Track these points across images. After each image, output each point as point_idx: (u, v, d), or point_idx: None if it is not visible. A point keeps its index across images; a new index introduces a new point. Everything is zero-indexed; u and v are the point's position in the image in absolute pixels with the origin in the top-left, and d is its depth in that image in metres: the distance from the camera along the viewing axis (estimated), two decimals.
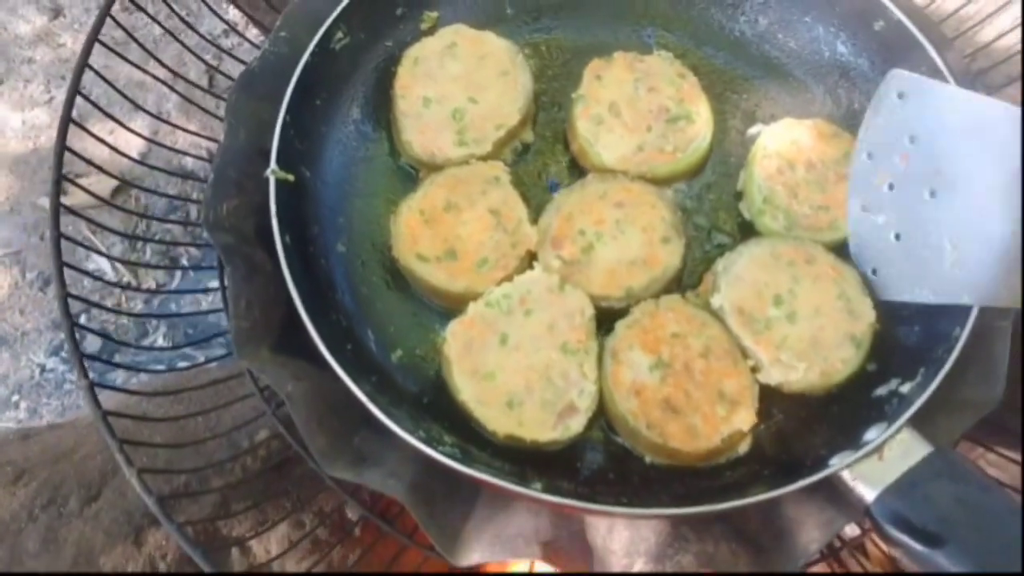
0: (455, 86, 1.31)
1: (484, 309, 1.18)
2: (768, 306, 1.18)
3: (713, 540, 1.08)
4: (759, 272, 1.20)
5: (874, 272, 1.20)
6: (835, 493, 1.06)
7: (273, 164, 1.19)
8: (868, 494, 1.02)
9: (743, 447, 1.15)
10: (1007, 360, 1.15)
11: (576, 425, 1.12)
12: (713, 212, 1.34)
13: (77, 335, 1.92)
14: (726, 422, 1.11)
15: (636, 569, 1.07)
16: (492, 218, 1.24)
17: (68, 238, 1.20)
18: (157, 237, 2.04)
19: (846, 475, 1.04)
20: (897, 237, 1.16)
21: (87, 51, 1.28)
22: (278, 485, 1.22)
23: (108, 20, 1.30)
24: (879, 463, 1.04)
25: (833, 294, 1.19)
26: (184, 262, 2.04)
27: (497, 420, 1.11)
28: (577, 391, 1.13)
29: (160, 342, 1.91)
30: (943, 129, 1.10)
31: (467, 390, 1.13)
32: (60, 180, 1.22)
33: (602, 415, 1.17)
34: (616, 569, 1.07)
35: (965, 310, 1.12)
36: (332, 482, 1.17)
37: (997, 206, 1.03)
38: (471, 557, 1.05)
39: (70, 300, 1.15)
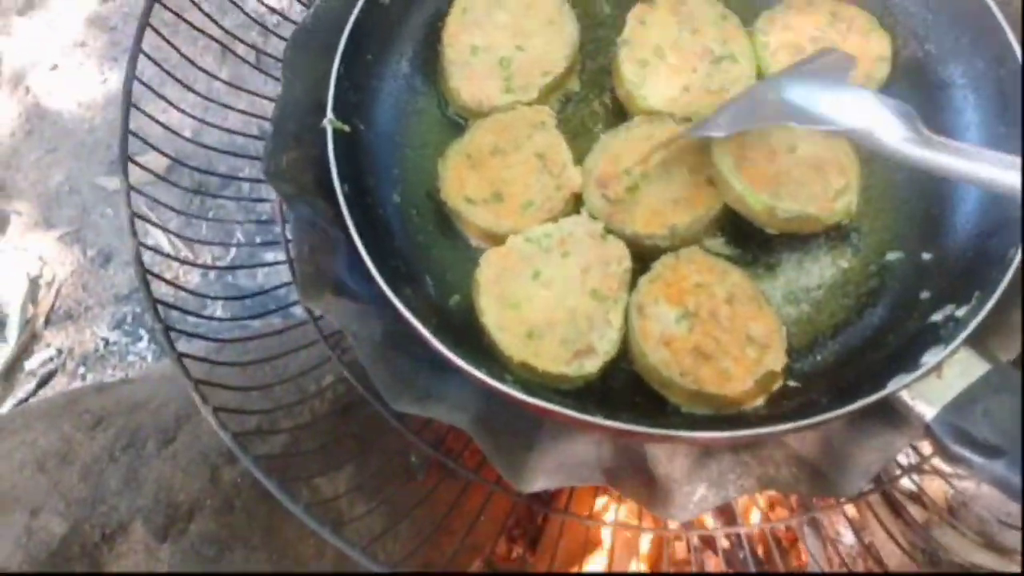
0: (502, 35, 1.34)
1: (523, 243, 1.20)
2: None
3: (774, 464, 1.10)
4: None
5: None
6: (894, 415, 1.07)
7: (330, 114, 1.22)
8: (928, 412, 1.03)
9: (776, 386, 1.16)
10: None
11: (591, 366, 1.13)
12: None
13: (138, 307, 2.00)
14: (758, 363, 1.12)
15: (699, 494, 1.09)
16: (537, 161, 1.26)
17: (140, 216, 1.23)
18: (211, 214, 2.10)
19: (905, 395, 1.04)
20: None
21: (139, 37, 1.33)
22: (344, 427, 1.25)
23: (156, 4, 1.35)
24: (938, 382, 1.04)
25: None
26: (239, 237, 2.09)
27: (514, 346, 1.14)
28: (599, 335, 1.15)
29: (219, 313, 1.95)
30: None
31: (490, 313, 1.16)
32: (127, 142, 1.26)
33: (621, 363, 1.18)
34: (679, 496, 1.09)
35: (1017, 231, 1.13)
36: (397, 422, 1.20)
37: None
38: (536, 484, 1.08)
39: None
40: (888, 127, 1.05)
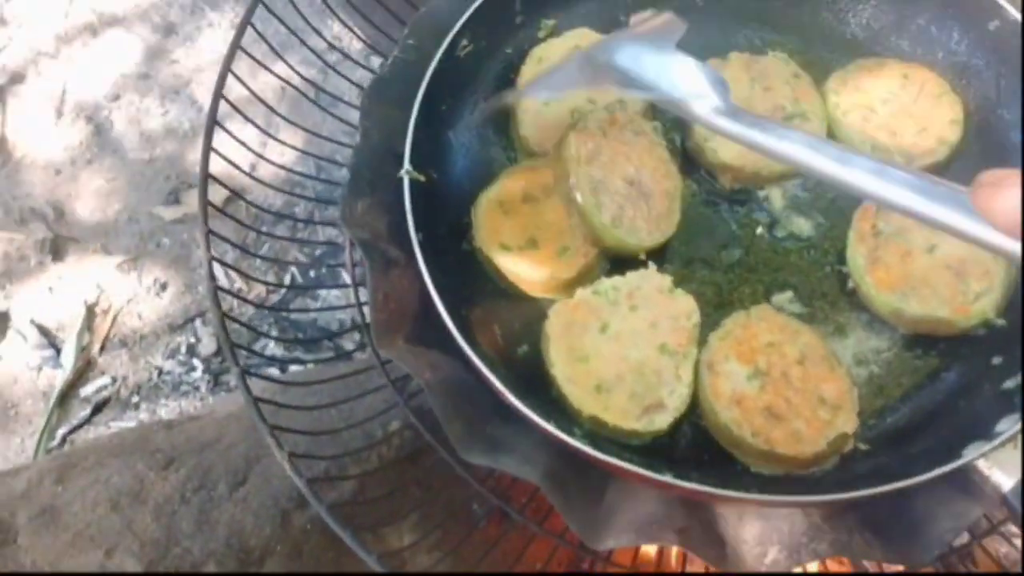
0: None
1: (591, 296, 1.21)
2: None
3: (847, 530, 1.09)
4: None
5: None
6: (969, 483, 1.06)
7: (407, 164, 1.24)
8: (1005, 483, 1.03)
9: (847, 448, 1.16)
10: None
11: (661, 421, 1.13)
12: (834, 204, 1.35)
13: (193, 337, 2.02)
14: (830, 425, 1.12)
15: (771, 557, 1.08)
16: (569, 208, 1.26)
17: (218, 260, 1.24)
18: (264, 250, 2.12)
19: (981, 464, 1.04)
20: None
21: (221, 81, 1.36)
22: (411, 474, 1.26)
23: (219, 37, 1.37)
24: (1014, 452, 1.04)
25: None
26: (295, 274, 2.11)
27: (583, 400, 1.14)
28: (668, 390, 1.15)
29: (271, 347, 1.97)
30: None
31: (559, 366, 1.16)
32: (206, 185, 1.28)
33: (692, 419, 1.19)
34: (750, 559, 1.09)
35: None
36: (463, 471, 1.20)
37: None
38: (607, 542, 1.07)
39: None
40: (703, 98, 1.02)
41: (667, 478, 1.05)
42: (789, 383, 1.15)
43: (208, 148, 1.31)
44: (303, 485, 1.06)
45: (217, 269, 1.96)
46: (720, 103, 1.02)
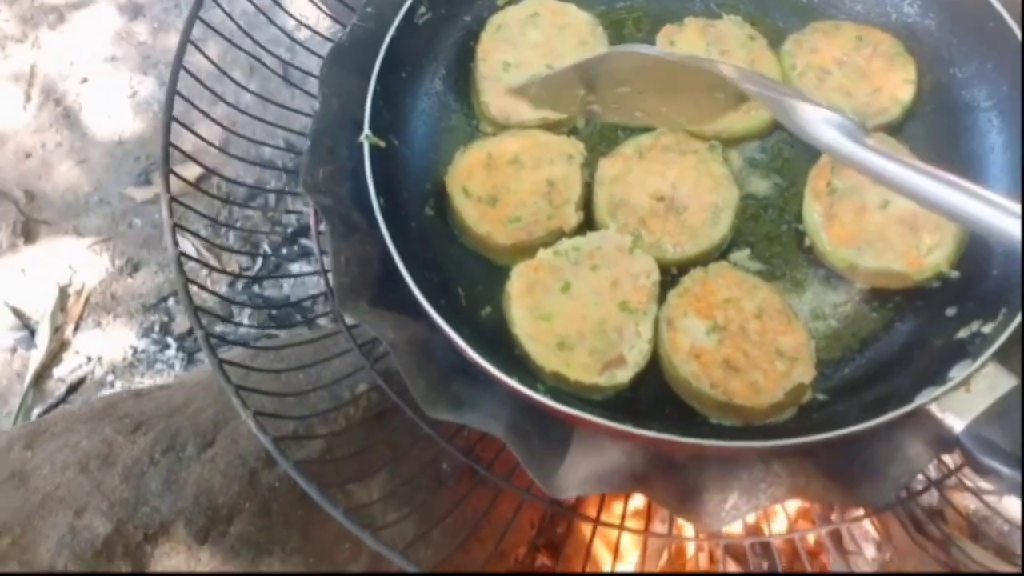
0: (534, 53, 1.37)
1: (552, 257, 1.23)
2: None
3: (804, 475, 1.12)
4: None
5: None
6: (923, 427, 1.09)
7: (367, 130, 1.25)
8: (957, 424, 1.05)
9: (806, 399, 1.18)
10: None
11: (622, 376, 1.16)
12: (791, 164, 1.38)
13: (166, 316, 2.03)
14: (787, 376, 1.15)
15: (730, 502, 1.10)
16: (546, 186, 1.29)
17: (182, 227, 1.25)
18: (238, 224, 2.13)
19: (934, 408, 1.07)
20: None
21: (180, 54, 1.36)
22: (378, 434, 1.28)
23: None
24: (966, 395, 1.07)
25: None
26: (266, 248, 2.12)
27: (545, 357, 1.16)
28: (629, 346, 1.17)
29: (246, 322, 1.98)
30: None
31: (522, 325, 1.18)
32: (168, 154, 1.29)
33: (653, 375, 1.21)
34: (710, 505, 1.11)
35: None
36: (430, 430, 1.22)
37: None
38: (569, 491, 1.09)
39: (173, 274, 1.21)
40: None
41: (626, 426, 1.07)
42: (747, 336, 1.17)
43: (168, 119, 1.32)
44: (268, 442, 1.08)
45: (188, 245, 1.98)
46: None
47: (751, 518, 1.54)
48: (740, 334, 1.18)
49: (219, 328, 1.92)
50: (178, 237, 1.26)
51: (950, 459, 1.36)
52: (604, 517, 1.27)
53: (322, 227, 1.26)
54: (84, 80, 2.32)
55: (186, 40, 1.36)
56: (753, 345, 1.17)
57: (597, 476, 1.12)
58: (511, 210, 1.27)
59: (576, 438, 1.15)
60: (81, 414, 1.33)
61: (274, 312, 1.99)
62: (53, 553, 1.13)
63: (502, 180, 1.29)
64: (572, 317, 1.19)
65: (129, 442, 1.24)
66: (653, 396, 1.21)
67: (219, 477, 1.21)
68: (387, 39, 1.32)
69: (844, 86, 1.37)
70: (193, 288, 1.20)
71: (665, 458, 1.14)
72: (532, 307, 1.20)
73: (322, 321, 1.91)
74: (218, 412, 1.30)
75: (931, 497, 1.69)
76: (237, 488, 1.21)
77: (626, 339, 1.18)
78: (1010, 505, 1.34)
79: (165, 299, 2.07)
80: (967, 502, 1.64)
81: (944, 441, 1.09)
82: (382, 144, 1.27)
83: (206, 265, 1.41)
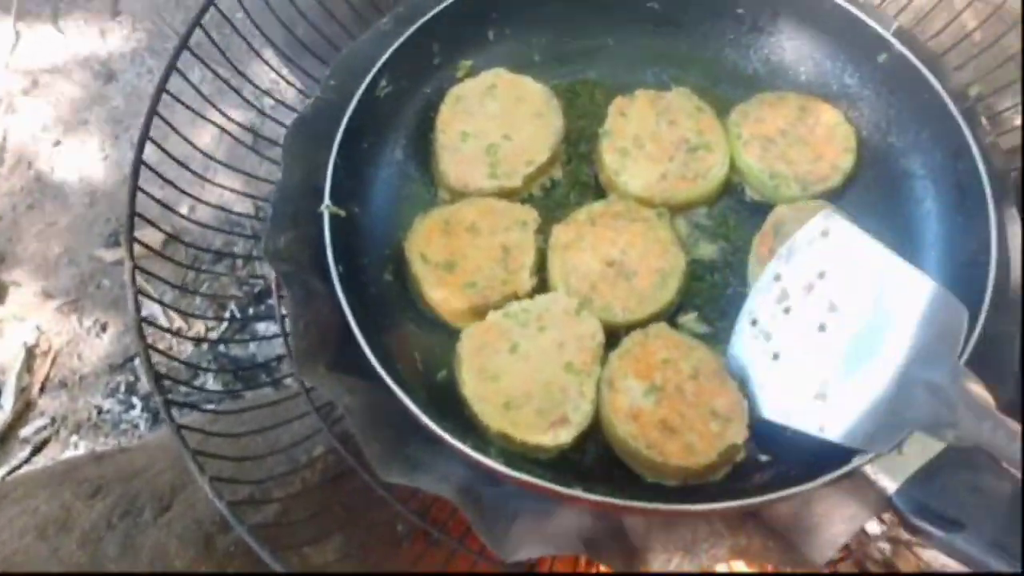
0: (492, 124, 1.42)
1: (502, 318, 1.27)
2: None
3: (746, 535, 1.14)
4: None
5: (742, 384, 1.23)
6: (859, 488, 1.13)
7: (327, 200, 1.29)
8: (890, 486, 1.09)
9: (740, 457, 1.22)
10: (1017, 364, 1.21)
11: (565, 435, 1.19)
12: (737, 229, 1.43)
13: (132, 376, 2.04)
14: (720, 437, 1.17)
15: (675, 563, 1.13)
16: (501, 252, 1.33)
17: (145, 294, 1.28)
18: (204, 288, 2.16)
19: (868, 469, 1.11)
20: (775, 357, 1.20)
21: (147, 124, 1.40)
22: (334, 497, 1.30)
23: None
24: (899, 458, 1.10)
25: None
26: (233, 309, 2.15)
27: (492, 416, 1.20)
28: (573, 406, 1.21)
29: (211, 384, 2.00)
30: (853, 275, 1.18)
31: (470, 385, 1.22)
32: (133, 222, 1.32)
33: (597, 434, 1.24)
34: (655, 565, 1.14)
35: (975, 318, 1.20)
36: (384, 492, 1.24)
37: (879, 361, 1.12)
38: (519, 553, 1.12)
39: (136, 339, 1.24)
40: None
41: (575, 491, 1.11)
42: (683, 397, 1.21)
43: (135, 187, 1.36)
44: (223, 507, 1.10)
45: (155, 308, 2.01)
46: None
47: None
48: (676, 395, 1.21)
49: (183, 390, 1.94)
50: (143, 302, 1.28)
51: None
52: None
53: (283, 292, 1.29)
54: (57, 143, 2.36)
55: (153, 111, 1.40)
56: (688, 406, 1.20)
57: (546, 538, 1.14)
58: (467, 276, 1.31)
59: (526, 501, 1.18)
60: (42, 478, 1.35)
61: (240, 373, 2.01)
62: None
63: (459, 246, 1.33)
64: (519, 377, 1.23)
65: (87, 507, 1.25)
66: (597, 457, 1.25)
67: (175, 541, 1.23)
68: (349, 111, 1.37)
69: (787, 155, 1.42)
70: (161, 346, 1.24)
71: (612, 519, 1.17)
72: (481, 368, 1.23)
73: (288, 380, 1.93)
74: (176, 476, 1.32)
75: (878, 552, 1.72)
76: (193, 553, 1.23)
77: (570, 399, 1.21)
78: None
79: (132, 359, 2.10)
80: (922, 553, 1.66)
81: (875, 502, 1.12)
82: (342, 213, 1.31)
83: (169, 331, 1.43)
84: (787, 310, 1.21)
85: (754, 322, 1.23)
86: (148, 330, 1.25)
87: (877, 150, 1.46)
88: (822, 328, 1.17)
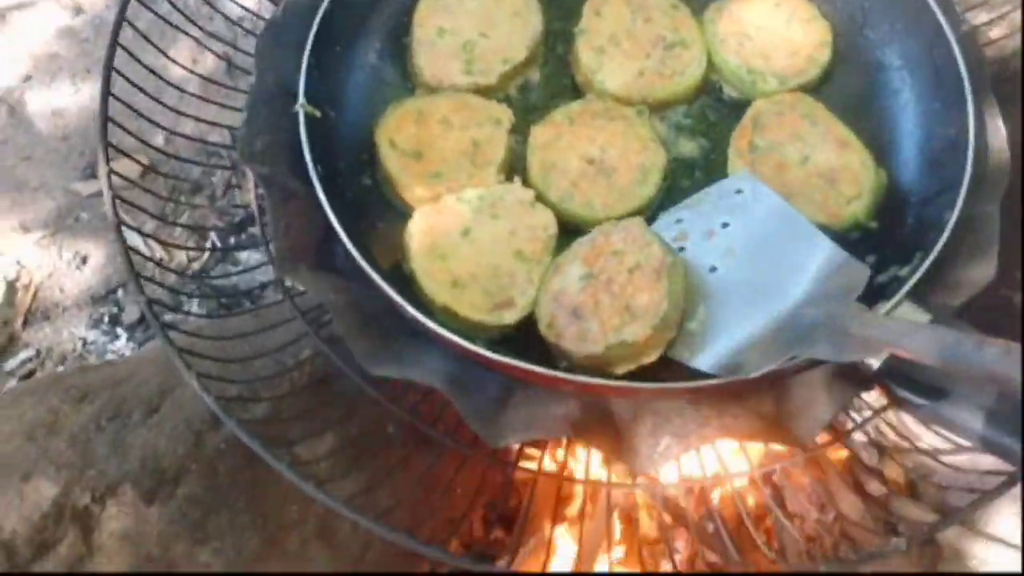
0: (469, 20, 1.42)
1: (455, 203, 1.28)
2: None
3: (732, 416, 1.16)
4: None
5: None
6: (844, 367, 1.14)
7: (302, 98, 1.28)
8: (875, 361, 1.10)
9: (647, 360, 1.18)
10: (996, 242, 1.23)
11: (509, 317, 1.22)
12: (716, 127, 1.43)
13: (116, 307, 2.04)
14: (616, 331, 1.14)
15: (663, 444, 1.15)
16: (471, 147, 1.34)
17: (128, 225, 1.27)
18: (184, 219, 2.15)
19: None
20: None
21: (111, 56, 1.39)
22: (323, 398, 1.30)
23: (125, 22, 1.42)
24: None
25: None
26: (215, 240, 2.13)
27: (436, 291, 1.21)
28: (519, 291, 1.23)
29: (195, 309, 2.00)
30: (756, 229, 1.24)
31: (418, 261, 1.24)
32: (108, 153, 1.31)
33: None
34: (644, 448, 1.15)
35: (954, 198, 1.21)
36: (374, 391, 1.25)
37: (767, 305, 1.17)
38: (507, 438, 1.13)
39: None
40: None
41: (558, 373, 1.12)
42: (608, 288, 1.18)
43: (105, 119, 1.35)
44: (211, 401, 1.11)
45: (136, 240, 2.00)
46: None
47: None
48: (604, 285, 1.18)
49: (168, 317, 1.93)
50: (125, 232, 1.28)
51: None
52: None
53: (266, 218, 1.29)
54: (27, 78, 2.32)
55: (114, 42, 1.38)
56: (609, 296, 1.17)
57: (534, 424, 1.15)
58: (434, 166, 1.32)
59: (512, 390, 1.19)
60: (27, 389, 1.35)
61: (223, 300, 2.01)
62: (1, 516, 1.14)
63: (429, 137, 1.33)
64: (468, 260, 1.24)
65: (75, 411, 1.25)
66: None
67: (165, 440, 1.23)
68: (320, 13, 1.35)
69: (764, 50, 1.42)
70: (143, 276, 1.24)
71: (599, 405, 1.18)
72: (431, 245, 1.25)
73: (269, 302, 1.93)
74: (163, 381, 1.32)
75: (871, 457, 1.75)
76: (183, 451, 1.23)
77: (517, 284, 1.23)
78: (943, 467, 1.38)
79: (114, 291, 2.08)
80: (903, 464, 1.69)
81: (863, 377, 1.14)
82: (317, 114, 1.30)
83: (151, 259, 1.43)
84: (681, 249, 1.25)
85: None
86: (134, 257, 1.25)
87: (853, 43, 1.46)
88: (713, 270, 1.22)
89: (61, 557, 1.14)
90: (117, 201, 1.29)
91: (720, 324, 1.19)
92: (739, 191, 1.28)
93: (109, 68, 1.37)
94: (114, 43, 1.40)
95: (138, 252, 1.31)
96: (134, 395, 1.29)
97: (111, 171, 1.27)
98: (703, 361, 1.16)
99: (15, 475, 1.18)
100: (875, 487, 1.71)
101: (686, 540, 1.72)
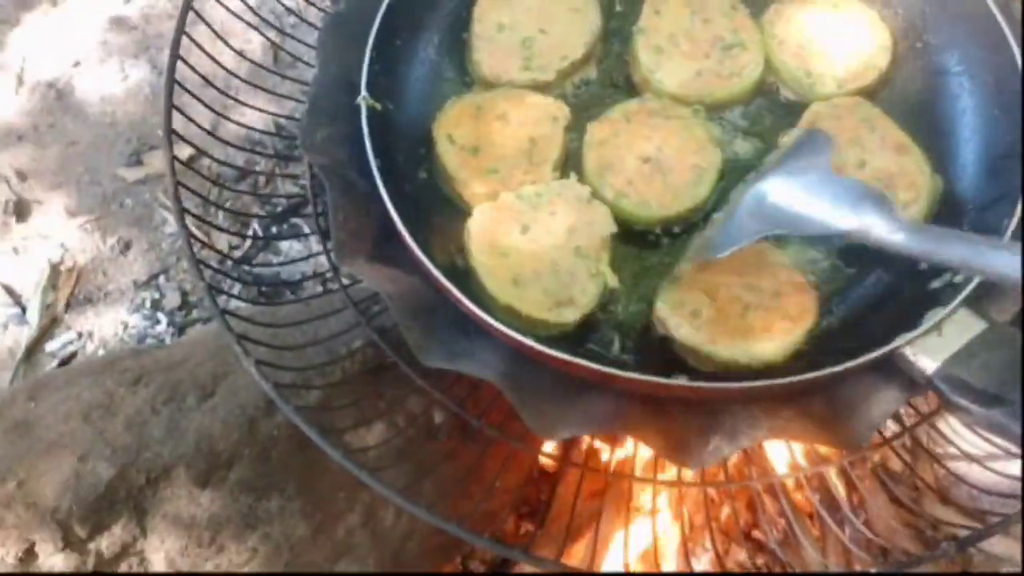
0: (528, 17, 1.42)
1: (514, 200, 1.28)
2: None
3: (783, 417, 1.16)
4: None
5: None
6: (898, 370, 1.14)
7: (364, 92, 1.29)
8: (930, 366, 1.10)
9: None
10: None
11: (570, 315, 1.22)
12: (772, 128, 1.42)
13: (157, 293, 2.05)
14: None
15: (712, 444, 1.15)
16: (528, 144, 1.34)
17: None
18: (228, 205, 2.17)
19: (908, 351, 1.12)
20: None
21: (176, 42, 1.40)
22: (373, 387, 1.31)
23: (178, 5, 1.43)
24: (938, 339, 1.12)
25: None
26: (256, 229, 2.15)
27: (499, 289, 1.22)
28: (580, 289, 1.23)
29: (237, 296, 2.01)
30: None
31: (479, 259, 1.24)
32: (171, 139, 1.33)
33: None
34: (694, 447, 1.15)
35: (1012, 205, 1.21)
36: (424, 382, 1.25)
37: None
38: (560, 432, 1.13)
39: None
40: (875, 224, 1.09)
41: (613, 370, 1.12)
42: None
43: (170, 105, 1.36)
44: (269, 388, 1.11)
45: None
46: (893, 223, 1.08)
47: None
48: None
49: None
50: (167, 217, 1.30)
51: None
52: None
53: (312, 209, 1.29)
54: (76, 63, 2.35)
55: (181, 28, 1.40)
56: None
57: (585, 418, 1.15)
58: (491, 161, 1.32)
59: (563, 386, 1.19)
60: (82, 369, 1.36)
61: (264, 289, 2.03)
62: (58, 496, 1.16)
63: (486, 132, 1.34)
64: (528, 256, 1.25)
65: (130, 393, 1.27)
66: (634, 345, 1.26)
67: (219, 425, 1.25)
68: (383, 7, 1.36)
69: (822, 53, 1.42)
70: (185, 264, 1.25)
71: (650, 403, 1.18)
72: (490, 244, 1.25)
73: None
74: (217, 366, 1.33)
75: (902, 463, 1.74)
76: (237, 435, 1.25)
77: (578, 282, 1.23)
78: (976, 471, 1.38)
79: (156, 276, 2.10)
80: (936, 469, 1.68)
81: (916, 384, 1.14)
82: (378, 106, 1.31)
83: (201, 241, 1.43)
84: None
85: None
86: (177, 243, 1.26)
87: (912, 47, 1.45)
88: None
89: (115, 537, 1.16)
90: (159, 189, 1.30)
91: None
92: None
93: (175, 56, 1.38)
94: (180, 29, 1.41)
95: (204, 243, 1.32)
96: (188, 379, 1.30)
97: (175, 158, 1.27)
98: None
99: (72, 455, 1.20)
100: (902, 491, 1.71)
101: (724, 538, 1.73)
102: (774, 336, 1.20)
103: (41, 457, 1.19)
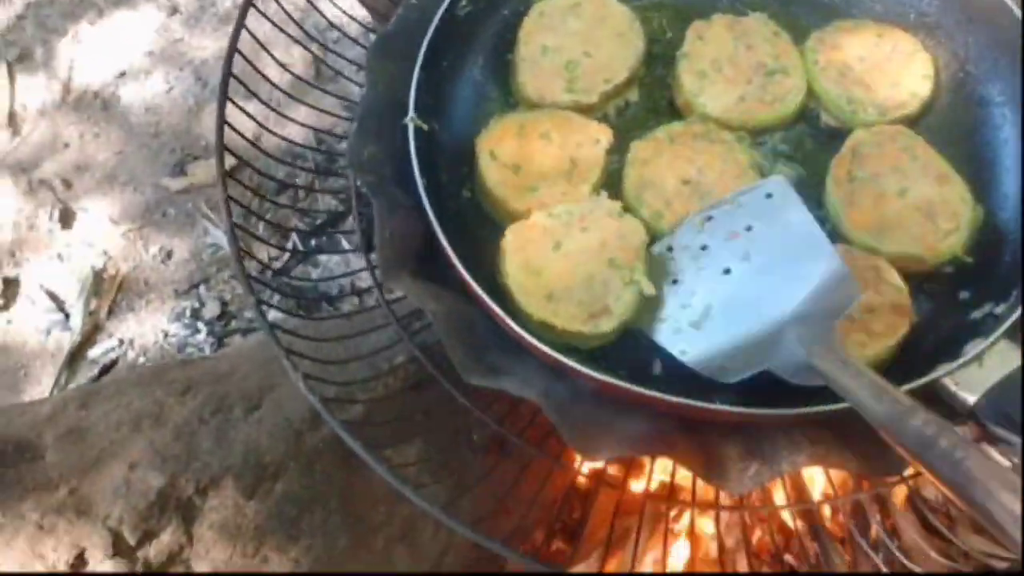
0: (573, 40, 1.44)
1: (546, 218, 1.30)
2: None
3: (824, 444, 1.17)
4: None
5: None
6: (938, 400, 1.14)
7: (412, 113, 1.32)
8: (970, 398, 1.11)
9: None
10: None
11: (606, 325, 1.23)
12: (813, 154, 1.43)
13: (197, 302, 2.09)
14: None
15: (753, 469, 1.16)
16: (569, 165, 1.36)
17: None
18: (268, 216, 2.20)
19: (948, 382, 1.12)
20: (675, 281, 1.26)
21: (229, 58, 1.43)
22: (415, 403, 1.33)
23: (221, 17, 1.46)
24: (979, 370, 1.12)
25: None
26: (296, 242, 2.19)
27: (534, 306, 1.23)
28: (615, 298, 1.24)
29: (271, 314, 2.03)
30: (776, 237, 1.23)
31: (513, 277, 1.25)
32: (223, 153, 1.35)
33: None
34: (733, 471, 1.16)
35: None
36: (465, 400, 1.27)
37: (762, 311, 1.18)
38: (602, 452, 1.15)
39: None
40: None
41: (654, 392, 1.13)
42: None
43: (222, 120, 1.39)
44: (317, 402, 1.14)
45: (220, 236, 2.05)
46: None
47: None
48: None
49: (248, 315, 1.98)
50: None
51: None
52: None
53: (354, 225, 1.30)
54: (122, 74, 2.40)
55: (234, 47, 1.43)
56: None
57: (627, 439, 1.17)
58: (531, 180, 1.34)
59: (603, 406, 1.21)
60: (131, 379, 1.39)
61: (302, 301, 2.06)
62: (109, 503, 1.19)
63: (529, 152, 1.36)
64: (562, 272, 1.26)
65: (179, 404, 1.30)
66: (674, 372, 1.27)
67: (266, 437, 1.27)
68: (431, 30, 1.39)
69: (865, 81, 1.43)
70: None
71: (691, 426, 1.20)
72: (524, 262, 1.27)
73: (347, 308, 1.97)
74: (263, 379, 1.36)
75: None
76: (283, 448, 1.27)
77: (612, 291, 1.25)
78: None
79: (196, 286, 2.14)
80: None
81: (956, 415, 1.14)
82: (425, 126, 1.33)
83: (244, 251, 1.46)
84: (704, 247, 1.26)
85: (670, 248, 1.29)
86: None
87: (955, 77, 1.46)
88: (727, 272, 1.23)
89: (163, 545, 1.18)
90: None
91: (719, 326, 1.20)
92: (769, 195, 1.27)
93: (227, 73, 1.41)
94: (233, 46, 1.44)
95: (248, 253, 1.34)
96: (236, 391, 1.33)
97: (226, 173, 1.30)
98: (694, 359, 1.18)
99: (123, 463, 1.22)
100: (937, 519, 1.70)
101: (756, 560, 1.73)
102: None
103: (92, 465, 1.22)
